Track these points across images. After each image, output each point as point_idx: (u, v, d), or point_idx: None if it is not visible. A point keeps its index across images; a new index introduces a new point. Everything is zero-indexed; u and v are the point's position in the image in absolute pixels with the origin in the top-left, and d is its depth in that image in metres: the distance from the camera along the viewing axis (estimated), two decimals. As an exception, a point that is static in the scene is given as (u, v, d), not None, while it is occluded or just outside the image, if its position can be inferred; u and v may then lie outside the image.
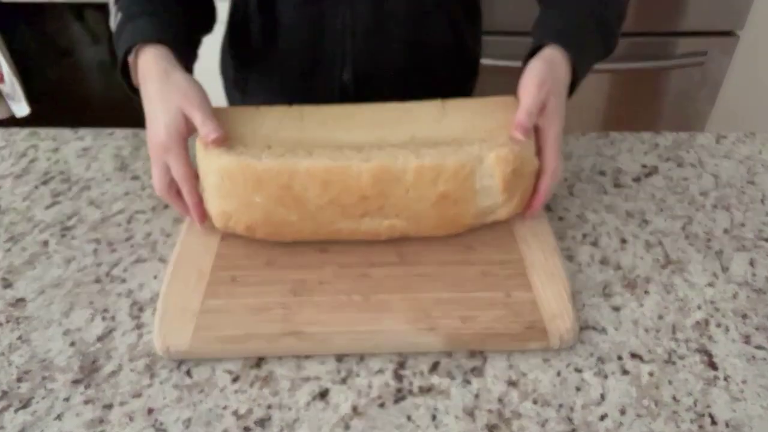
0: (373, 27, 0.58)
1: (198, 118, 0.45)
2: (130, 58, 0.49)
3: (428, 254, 0.47)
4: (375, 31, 0.58)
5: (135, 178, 0.60)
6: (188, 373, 0.40)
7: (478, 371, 0.40)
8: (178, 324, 0.42)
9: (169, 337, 0.41)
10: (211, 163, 0.45)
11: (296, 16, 0.58)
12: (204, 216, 0.47)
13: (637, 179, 0.59)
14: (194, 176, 0.46)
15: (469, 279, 0.45)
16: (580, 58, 0.49)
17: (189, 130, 0.46)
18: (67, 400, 0.39)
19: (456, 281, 0.45)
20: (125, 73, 0.50)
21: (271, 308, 0.43)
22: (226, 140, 0.46)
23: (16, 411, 0.38)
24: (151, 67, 0.47)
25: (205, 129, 0.45)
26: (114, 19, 0.52)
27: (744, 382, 0.40)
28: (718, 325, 0.44)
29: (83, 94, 1.41)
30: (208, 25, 0.60)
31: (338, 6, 0.57)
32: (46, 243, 0.52)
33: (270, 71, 0.64)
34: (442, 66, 0.64)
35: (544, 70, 0.47)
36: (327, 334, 0.41)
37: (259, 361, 0.41)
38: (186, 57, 0.50)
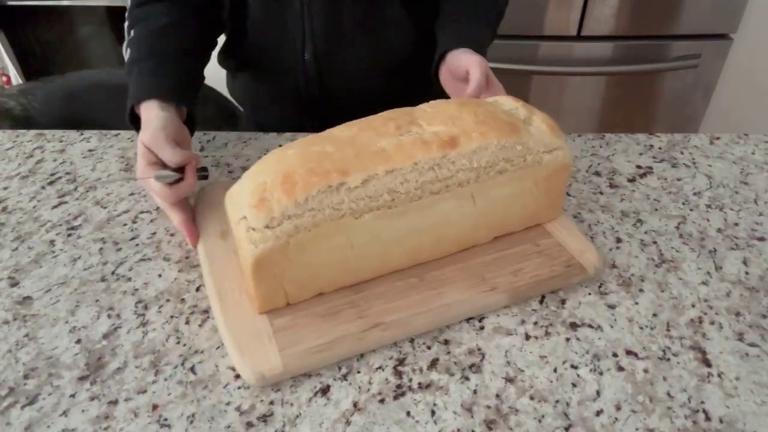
0: (329, 7, 0.64)
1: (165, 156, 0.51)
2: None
3: None
4: (330, 13, 0.64)
5: (139, 179, 0.61)
6: (192, 369, 0.41)
7: (476, 367, 0.41)
8: (259, 349, 0.40)
9: (258, 364, 0.39)
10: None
11: (259, 5, 0.65)
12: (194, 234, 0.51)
13: (632, 180, 0.60)
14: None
15: (498, 239, 0.49)
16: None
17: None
18: (73, 396, 0.39)
19: (488, 244, 0.49)
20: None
21: (340, 310, 0.43)
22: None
23: (22, 407, 0.39)
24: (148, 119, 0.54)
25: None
26: (125, 54, 0.60)
27: (737, 378, 0.40)
28: (712, 323, 0.44)
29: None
30: (214, 41, 0.68)
31: None
32: (52, 242, 0.53)
33: (246, 54, 0.71)
34: (400, 45, 0.68)
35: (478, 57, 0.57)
36: (406, 318, 0.42)
37: (262, 358, 0.42)
38: (186, 96, 0.58)
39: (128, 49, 0.59)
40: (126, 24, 0.61)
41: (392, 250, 0.45)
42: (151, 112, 0.53)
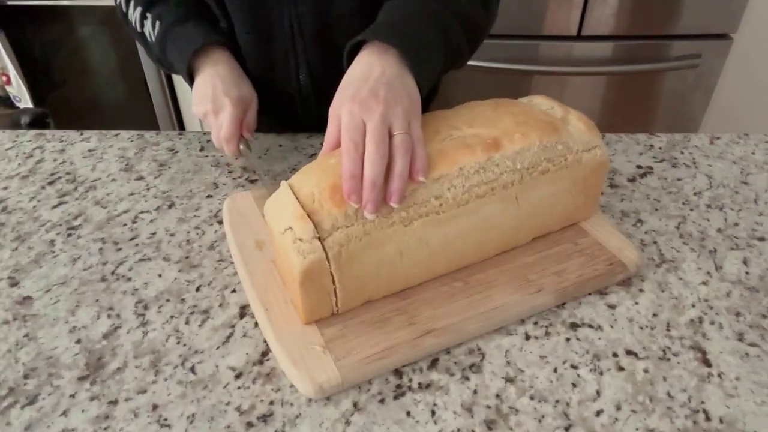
0: (320, 28, 0.59)
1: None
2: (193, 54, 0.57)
3: None
4: (323, 33, 0.60)
5: (140, 178, 0.61)
6: (192, 369, 0.41)
7: (476, 368, 0.41)
8: (314, 361, 0.40)
9: (316, 376, 0.39)
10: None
11: (244, 22, 0.60)
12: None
13: (632, 179, 0.60)
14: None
15: (537, 240, 0.49)
16: (408, 48, 0.45)
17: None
18: (72, 396, 0.39)
19: (528, 245, 0.49)
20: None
21: (389, 317, 0.43)
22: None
23: (22, 407, 0.39)
24: (224, 58, 0.58)
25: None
26: (152, 28, 0.59)
27: (738, 378, 0.40)
28: (712, 323, 0.44)
29: (89, 97, 1.42)
30: None
31: (282, 9, 0.58)
32: (52, 242, 0.53)
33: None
34: None
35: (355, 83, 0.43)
36: (458, 323, 0.42)
37: (262, 358, 0.42)
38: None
39: (156, 22, 0.59)
40: (139, 8, 0.60)
41: (439, 255, 0.44)
42: (231, 60, 0.58)
